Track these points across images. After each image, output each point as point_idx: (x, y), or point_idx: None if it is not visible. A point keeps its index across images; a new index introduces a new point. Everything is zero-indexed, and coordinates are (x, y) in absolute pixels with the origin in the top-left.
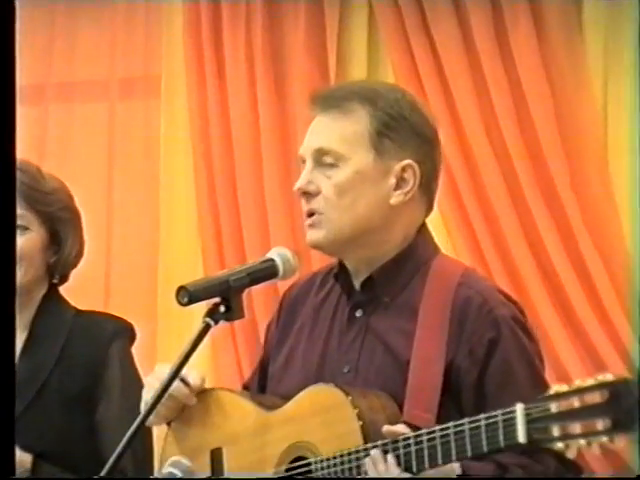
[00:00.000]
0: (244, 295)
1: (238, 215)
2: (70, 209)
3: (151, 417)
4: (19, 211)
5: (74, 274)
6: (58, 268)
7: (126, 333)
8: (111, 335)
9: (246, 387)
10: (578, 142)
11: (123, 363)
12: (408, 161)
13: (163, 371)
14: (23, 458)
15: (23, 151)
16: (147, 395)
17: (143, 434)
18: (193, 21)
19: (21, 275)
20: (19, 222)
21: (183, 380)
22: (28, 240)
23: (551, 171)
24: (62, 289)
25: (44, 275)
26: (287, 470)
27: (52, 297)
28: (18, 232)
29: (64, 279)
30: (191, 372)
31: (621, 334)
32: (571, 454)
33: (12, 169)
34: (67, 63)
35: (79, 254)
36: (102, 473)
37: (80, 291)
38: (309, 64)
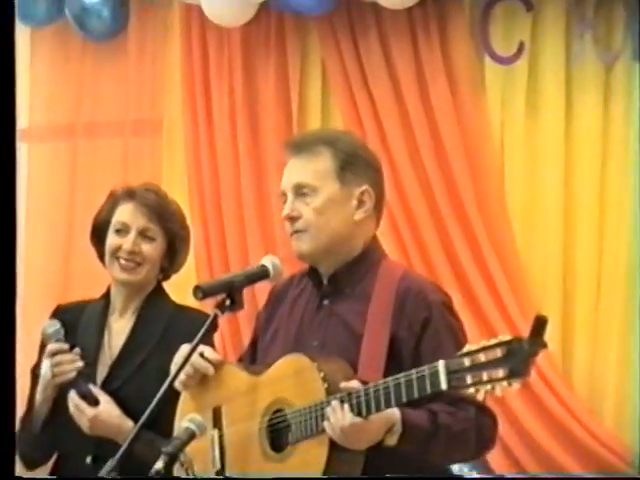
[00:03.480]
0: (245, 292)
1: (223, 231)
2: (185, 227)
3: (178, 384)
4: (150, 225)
5: None
6: (168, 271)
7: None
8: (202, 326)
9: (241, 359)
10: (481, 172)
11: None
12: (365, 187)
13: (185, 349)
14: (127, 424)
15: (58, 180)
16: (173, 368)
17: (171, 397)
18: (188, 77)
19: (142, 275)
20: (149, 234)
21: (202, 355)
22: (154, 249)
23: (460, 192)
24: None
25: (156, 275)
26: (270, 419)
27: (158, 291)
28: (147, 241)
29: (167, 278)
30: (207, 349)
31: (512, 315)
32: (480, 397)
33: (12, 165)
34: (92, 108)
35: (184, 262)
36: (138, 425)
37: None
38: (277, 111)
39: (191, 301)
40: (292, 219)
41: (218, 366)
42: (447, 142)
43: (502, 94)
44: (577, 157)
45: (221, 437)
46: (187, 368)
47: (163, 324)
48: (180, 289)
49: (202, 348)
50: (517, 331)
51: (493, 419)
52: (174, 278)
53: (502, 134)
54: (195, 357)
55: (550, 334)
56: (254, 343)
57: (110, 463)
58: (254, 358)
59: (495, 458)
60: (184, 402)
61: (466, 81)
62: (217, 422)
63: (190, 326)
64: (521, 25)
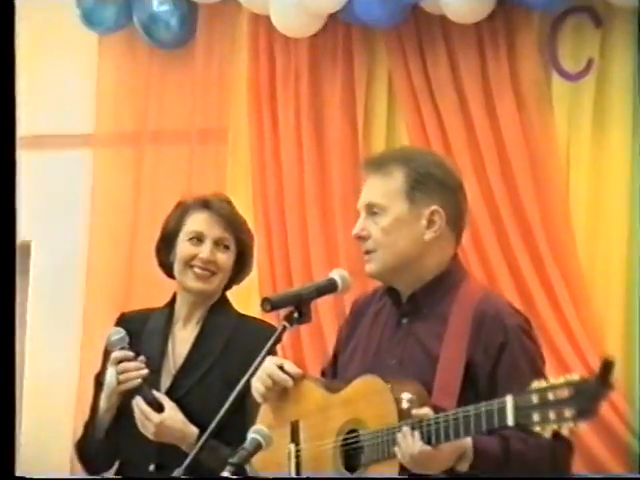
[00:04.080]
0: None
1: (287, 242)
2: (252, 238)
3: (258, 397)
4: (225, 235)
5: None
6: (234, 280)
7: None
8: (266, 337)
9: (323, 372)
10: (546, 189)
11: None
12: (435, 207)
13: (265, 362)
14: (192, 430)
15: (123, 186)
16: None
17: (249, 410)
18: (254, 87)
19: (216, 284)
20: (224, 243)
21: (281, 368)
22: (228, 258)
23: (525, 209)
24: None
25: (224, 285)
26: (344, 439)
27: (222, 301)
28: (221, 251)
29: (229, 288)
30: (287, 363)
31: (579, 339)
32: (547, 434)
33: (12, 166)
34: (158, 115)
35: (250, 272)
36: (206, 434)
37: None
38: (342, 123)
39: (252, 311)
40: (361, 238)
41: (297, 380)
42: (513, 158)
43: (569, 111)
44: None
45: (298, 452)
46: (266, 380)
47: (227, 334)
48: (240, 299)
49: (281, 361)
50: (580, 350)
51: (568, 446)
52: (235, 288)
53: (568, 151)
54: (274, 369)
55: (612, 350)
56: (336, 356)
57: (178, 472)
58: (335, 371)
59: None
60: (263, 414)
61: (533, 97)
62: (295, 437)
63: (254, 336)
64: (590, 41)
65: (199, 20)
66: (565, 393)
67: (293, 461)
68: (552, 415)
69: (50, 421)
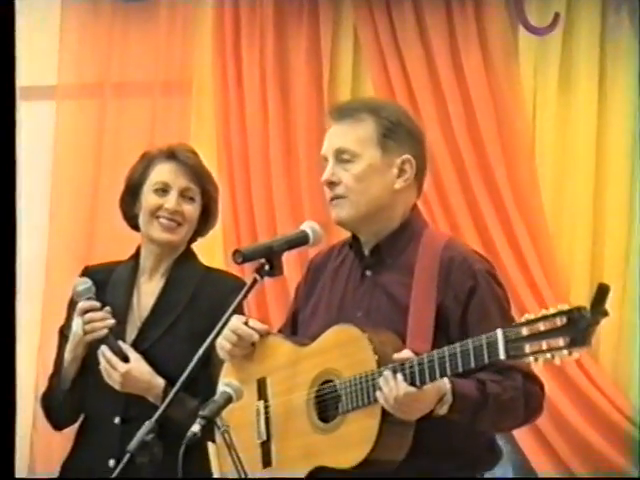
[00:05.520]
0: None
1: (251, 196)
2: (217, 190)
3: (224, 354)
4: (191, 185)
5: None
6: (198, 233)
7: (242, 289)
8: (231, 289)
9: (280, 331)
10: (512, 142)
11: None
12: (407, 156)
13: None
14: (158, 381)
15: (85, 139)
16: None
17: (215, 363)
18: (219, 39)
19: (182, 235)
20: (189, 194)
21: (246, 324)
22: (194, 209)
23: (490, 162)
24: None
25: (189, 237)
26: (318, 390)
27: (187, 253)
28: (187, 202)
29: (194, 241)
30: (251, 320)
31: (544, 294)
32: (539, 366)
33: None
34: (121, 67)
35: (214, 225)
36: (175, 387)
37: None
38: (308, 78)
39: (216, 264)
40: (331, 184)
41: (262, 336)
42: (479, 112)
43: (535, 65)
44: (609, 129)
45: (267, 408)
46: (231, 336)
47: (193, 286)
48: (204, 252)
49: (245, 318)
50: (545, 305)
51: (540, 386)
52: (198, 241)
53: (534, 105)
54: (239, 325)
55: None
56: (294, 316)
57: (148, 424)
58: (294, 331)
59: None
60: (226, 374)
61: (499, 51)
62: (262, 393)
63: (220, 288)
64: None
65: None
66: (557, 322)
67: (263, 418)
68: (545, 345)
69: None
